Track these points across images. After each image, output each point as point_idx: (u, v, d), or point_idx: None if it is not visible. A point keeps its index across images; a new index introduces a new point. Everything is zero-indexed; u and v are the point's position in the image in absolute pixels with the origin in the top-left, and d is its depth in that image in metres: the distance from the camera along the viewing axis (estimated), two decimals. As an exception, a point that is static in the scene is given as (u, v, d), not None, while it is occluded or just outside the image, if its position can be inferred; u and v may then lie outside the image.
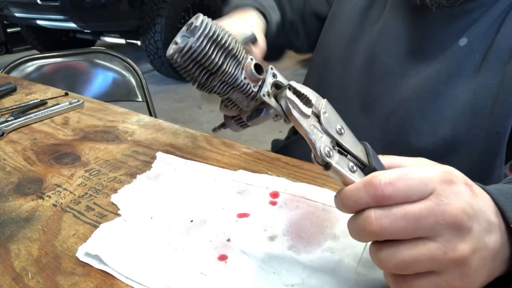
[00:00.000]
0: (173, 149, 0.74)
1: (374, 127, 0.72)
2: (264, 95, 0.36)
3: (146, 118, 0.90)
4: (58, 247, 0.50)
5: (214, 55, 0.34)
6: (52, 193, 0.62)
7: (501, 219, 0.35)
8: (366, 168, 0.36)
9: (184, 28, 0.35)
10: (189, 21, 0.35)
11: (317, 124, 0.36)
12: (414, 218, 0.31)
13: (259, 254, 0.47)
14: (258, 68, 0.36)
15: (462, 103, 0.62)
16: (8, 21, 4.53)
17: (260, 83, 0.36)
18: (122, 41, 3.97)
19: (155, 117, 1.33)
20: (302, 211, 0.54)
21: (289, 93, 0.35)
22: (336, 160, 0.35)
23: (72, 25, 3.53)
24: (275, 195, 0.58)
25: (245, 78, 0.36)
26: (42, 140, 0.80)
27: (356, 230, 0.34)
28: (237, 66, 0.35)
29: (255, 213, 0.55)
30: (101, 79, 1.51)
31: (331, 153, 0.35)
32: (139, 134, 0.81)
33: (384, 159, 0.38)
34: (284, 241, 0.49)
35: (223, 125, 0.42)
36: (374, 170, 0.35)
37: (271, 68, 0.37)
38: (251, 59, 0.37)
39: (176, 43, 0.34)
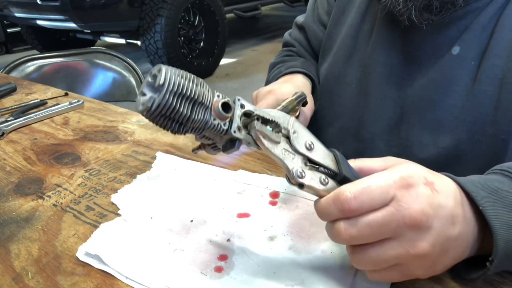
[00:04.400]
0: (173, 149, 0.74)
1: (377, 140, 0.72)
2: (234, 131, 0.38)
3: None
4: (58, 247, 0.50)
5: (181, 108, 0.35)
6: (52, 193, 0.62)
7: (468, 208, 0.39)
8: (337, 176, 0.40)
9: (149, 77, 0.36)
10: (153, 72, 0.35)
11: (287, 146, 0.39)
12: (378, 225, 0.35)
13: (259, 254, 0.47)
14: (226, 106, 0.37)
15: (461, 111, 0.61)
16: (8, 21, 4.52)
17: (229, 119, 0.38)
18: (122, 41, 3.96)
19: (155, 117, 1.32)
20: (302, 211, 0.54)
21: (257, 124, 0.38)
22: (308, 179, 0.38)
23: (72, 25, 3.53)
24: (275, 195, 0.58)
25: (214, 119, 0.37)
26: (42, 140, 0.80)
27: (332, 237, 0.39)
28: (205, 111, 0.36)
29: (255, 213, 0.55)
30: (101, 79, 1.51)
31: (303, 173, 0.38)
32: (139, 134, 0.81)
33: (355, 162, 0.42)
34: (284, 241, 0.49)
35: (200, 147, 0.44)
36: (344, 177, 0.39)
37: (238, 99, 0.39)
38: (218, 96, 0.38)
39: (143, 94, 0.35)
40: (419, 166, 0.39)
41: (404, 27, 0.64)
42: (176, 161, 0.69)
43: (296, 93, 0.67)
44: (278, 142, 0.38)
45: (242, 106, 0.39)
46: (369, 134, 0.73)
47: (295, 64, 0.83)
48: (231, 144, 0.39)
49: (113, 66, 1.51)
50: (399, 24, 0.64)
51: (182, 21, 3.82)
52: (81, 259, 0.47)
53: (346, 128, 0.77)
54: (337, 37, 0.80)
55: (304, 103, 0.68)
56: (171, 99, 0.34)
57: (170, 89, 0.34)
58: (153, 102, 0.34)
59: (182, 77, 0.35)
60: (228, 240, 0.50)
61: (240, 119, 0.38)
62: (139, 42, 3.78)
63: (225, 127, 0.37)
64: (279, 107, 0.63)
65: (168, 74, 0.35)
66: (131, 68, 1.50)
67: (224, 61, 4.48)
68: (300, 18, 0.95)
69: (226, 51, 4.47)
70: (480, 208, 0.37)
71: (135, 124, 0.87)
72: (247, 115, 0.39)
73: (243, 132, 0.38)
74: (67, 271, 0.46)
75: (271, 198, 0.58)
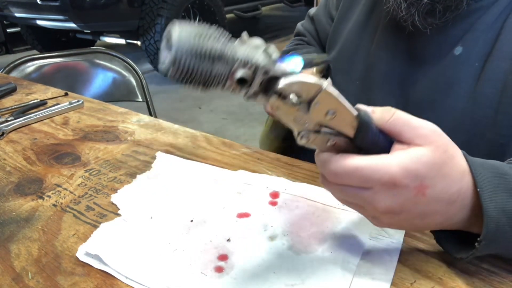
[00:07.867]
0: (173, 149, 0.74)
1: None
2: (249, 97, 0.35)
3: (146, 118, 0.90)
4: (58, 247, 0.50)
5: (200, 68, 0.33)
6: (52, 193, 0.62)
7: (461, 198, 0.39)
8: (352, 142, 0.39)
9: (164, 41, 0.34)
10: (168, 32, 0.34)
11: (302, 113, 0.36)
12: (354, 194, 0.39)
13: (259, 254, 0.47)
14: (242, 81, 0.35)
15: (461, 114, 0.60)
16: (8, 21, 4.52)
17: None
18: (122, 41, 3.97)
19: (155, 117, 1.33)
20: (302, 211, 0.54)
21: (273, 98, 0.35)
22: (312, 139, 0.38)
23: (72, 25, 3.53)
24: (275, 195, 0.58)
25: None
26: (42, 140, 0.80)
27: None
28: (225, 66, 0.34)
29: (255, 213, 0.55)
30: (101, 79, 1.51)
31: (308, 136, 0.38)
32: (139, 134, 0.81)
33: (392, 118, 0.40)
34: (284, 241, 0.49)
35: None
36: (357, 146, 0.39)
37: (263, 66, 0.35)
38: (240, 62, 0.34)
39: (166, 50, 0.34)
40: (437, 156, 0.38)
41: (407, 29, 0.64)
42: (176, 161, 0.69)
43: (323, 57, 0.68)
44: (292, 112, 0.36)
45: (266, 73, 0.34)
46: None
47: (309, 51, 0.83)
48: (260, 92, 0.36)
49: (113, 66, 1.51)
50: (403, 28, 0.64)
51: (182, 21, 3.82)
52: (81, 259, 0.47)
53: None
54: (342, 32, 0.80)
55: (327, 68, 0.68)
56: (188, 59, 0.32)
57: (185, 49, 0.32)
58: (170, 64, 0.32)
59: (196, 36, 0.33)
60: (228, 240, 0.50)
61: (260, 84, 0.35)
62: (139, 42, 3.78)
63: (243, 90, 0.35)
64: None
65: (180, 34, 0.32)
66: (131, 68, 1.50)
67: (224, 61, 4.47)
68: (312, 10, 0.96)
69: (226, 51, 4.46)
70: (478, 189, 0.38)
71: (135, 124, 0.87)
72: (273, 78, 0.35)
73: (260, 95, 0.36)
74: (67, 271, 0.46)
75: (271, 198, 0.58)
